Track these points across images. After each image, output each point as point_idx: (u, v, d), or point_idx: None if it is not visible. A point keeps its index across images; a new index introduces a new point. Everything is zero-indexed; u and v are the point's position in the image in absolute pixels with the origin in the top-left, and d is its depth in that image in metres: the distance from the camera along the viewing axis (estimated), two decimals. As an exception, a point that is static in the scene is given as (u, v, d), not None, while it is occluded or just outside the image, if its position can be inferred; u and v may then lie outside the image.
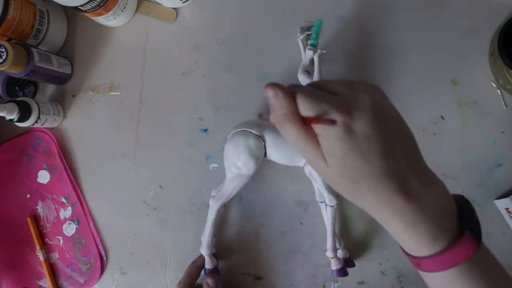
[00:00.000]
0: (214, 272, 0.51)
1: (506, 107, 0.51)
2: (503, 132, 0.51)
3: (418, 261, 0.31)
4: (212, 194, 0.51)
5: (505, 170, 0.51)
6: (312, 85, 0.31)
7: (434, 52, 0.53)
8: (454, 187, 0.52)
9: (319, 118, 0.28)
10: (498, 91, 0.52)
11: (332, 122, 0.28)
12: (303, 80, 0.49)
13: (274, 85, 0.29)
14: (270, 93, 0.29)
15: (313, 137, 0.29)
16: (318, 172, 0.31)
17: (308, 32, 0.51)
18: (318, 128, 0.29)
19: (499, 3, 0.52)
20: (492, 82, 0.52)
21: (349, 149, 0.28)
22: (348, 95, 0.29)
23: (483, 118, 0.52)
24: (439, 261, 0.29)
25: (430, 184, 0.30)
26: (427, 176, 0.30)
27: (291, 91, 0.29)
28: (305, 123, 0.29)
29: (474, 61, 0.52)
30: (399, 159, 0.28)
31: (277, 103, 0.29)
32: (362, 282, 0.53)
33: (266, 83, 0.30)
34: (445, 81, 0.53)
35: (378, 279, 0.53)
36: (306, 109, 0.29)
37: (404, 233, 0.30)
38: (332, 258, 0.49)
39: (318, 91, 0.30)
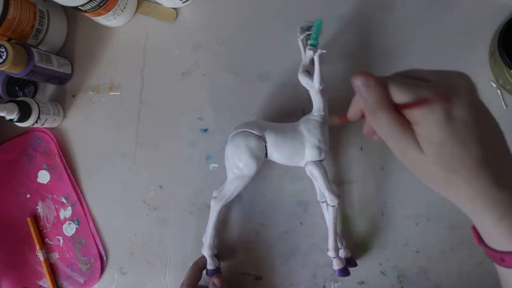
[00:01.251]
0: (216, 273, 0.51)
1: (506, 107, 0.51)
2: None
3: (502, 256, 0.29)
4: (214, 195, 0.51)
5: None
6: (401, 74, 0.31)
7: (434, 52, 0.53)
8: (454, 187, 0.52)
9: (417, 102, 0.27)
10: (498, 91, 0.52)
11: (432, 103, 0.27)
12: (304, 80, 0.49)
13: (365, 73, 0.29)
14: (360, 81, 0.29)
15: (407, 125, 0.29)
16: (409, 163, 0.30)
17: (308, 32, 0.51)
18: (414, 115, 0.28)
19: (499, 3, 0.52)
20: (492, 82, 0.52)
21: (447, 136, 0.27)
22: (444, 81, 0.28)
23: (483, 118, 0.52)
24: None
25: None
26: None
27: (381, 80, 0.29)
28: (397, 110, 0.29)
29: (474, 61, 0.52)
30: (494, 149, 0.28)
31: (369, 90, 0.29)
32: (362, 282, 0.53)
33: (356, 73, 0.30)
34: (445, 81, 0.53)
35: (378, 279, 0.53)
36: (401, 95, 0.28)
37: (495, 226, 0.28)
38: (334, 258, 0.49)
39: (411, 79, 0.29)
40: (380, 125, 0.29)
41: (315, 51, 0.46)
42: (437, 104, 0.27)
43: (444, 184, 0.29)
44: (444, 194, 0.30)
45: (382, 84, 0.29)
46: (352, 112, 0.33)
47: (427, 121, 0.27)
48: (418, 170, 0.30)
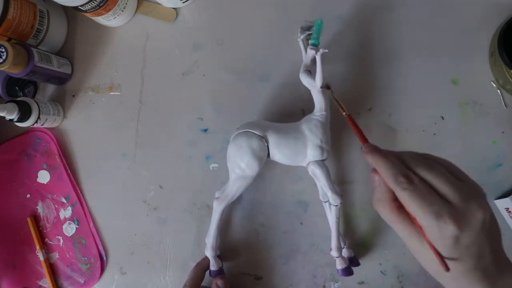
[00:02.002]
0: (219, 273, 0.51)
1: (506, 107, 0.52)
2: (503, 132, 0.51)
3: None
4: (216, 196, 0.51)
5: (505, 170, 0.51)
6: (422, 156, 0.34)
7: (434, 52, 0.53)
8: (454, 187, 0.52)
9: (435, 251, 0.32)
10: (498, 91, 0.52)
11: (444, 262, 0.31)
12: (305, 80, 0.49)
13: (374, 171, 0.34)
14: (372, 177, 0.35)
15: (410, 219, 0.33)
16: (410, 248, 0.34)
17: (309, 32, 0.51)
18: (424, 226, 0.32)
19: (499, 3, 0.52)
20: (492, 82, 0.52)
21: (447, 252, 0.31)
22: (463, 208, 0.31)
23: (483, 118, 0.52)
24: None
25: (505, 270, 0.33)
26: (504, 265, 0.34)
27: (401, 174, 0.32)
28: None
29: (474, 61, 0.52)
30: (486, 257, 0.32)
31: (376, 187, 0.34)
32: (362, 282, 0.53)
33: (371, 171, 0.35)
34: (445, 81, 0.53)
35: (378, 279, 0.53)
36: (416, 210, 0.32)
37: None
38: (337, 257, 0.49)
39: (431, 195, 0.32)
40: (382, 215, 0.35)
41: (317, 51, 0.46)
42: (449, 230, 0.30)
43: (437, 274, 0.34)
44: (436, 277, 0.34)
45: (389, 187, 0.33)
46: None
47: (437, 242, 0.31)
48: (418, 255, 0.34)
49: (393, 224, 0.34)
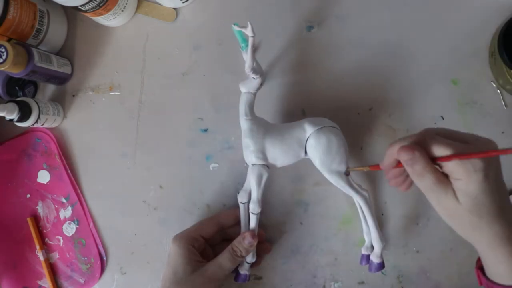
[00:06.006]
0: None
1: (506, 107, 0.52)
2: (503, 132, 0.51)
3: None
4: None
5: (505, 170, 0.51)
6: (436, 132, 0.36)
7: (434, 52, 0.53)
8: (454, 187, 0.52)
9: (460, 155, 0.33)
10: (498, 91, 0.52)
11: (473, 157, 0.33)
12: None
13: (409, 148, 0.34)
14: (407, 156, 0.34)
15: (446, 180, 0.35)
16: (443, 211, 0.36)
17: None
18: (457, 173, 0.33)
19: (499, 3, 0.52)
20: (492, 82, 0.52)
21: (483, 191, 0.33)
22: (479, 144, 0.35)
23: (483, 118, 0.52)
24: None
25: None
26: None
27: (422, 141, 0.35)
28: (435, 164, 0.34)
29: (474, 61, 0.52)
30: (507, 202, 0.35)
31: (415, 162, 0.34)
32: (362, 282, 0.53)
33: (401, 149, 0.35)
34: (445, 81, 0.53)
35: (378, 279, 0.53)
36: (443, 151, 0.34)
37: (507, 261, 0.35)
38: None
39: (450, 140, 0.34)
40: (426, 184, 0.35)
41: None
42: (478, 165, 0.33)
43: (470, 228, 0.35)
44: (467, 236, 0.36)
45: (424, 151, 0.34)
46: (388, 163, 0.38)
47: (469, 178, 0.33)
48: (450, 216, 0.36)
49: (435, 186, 0.35)
